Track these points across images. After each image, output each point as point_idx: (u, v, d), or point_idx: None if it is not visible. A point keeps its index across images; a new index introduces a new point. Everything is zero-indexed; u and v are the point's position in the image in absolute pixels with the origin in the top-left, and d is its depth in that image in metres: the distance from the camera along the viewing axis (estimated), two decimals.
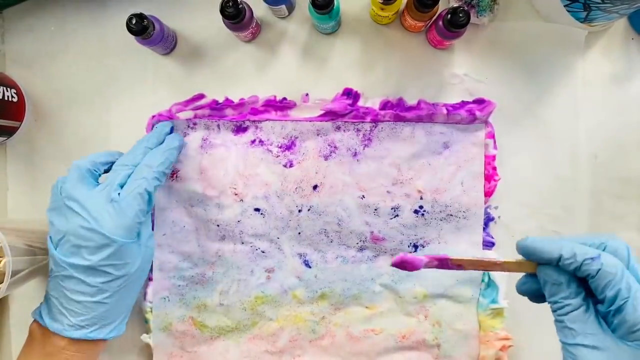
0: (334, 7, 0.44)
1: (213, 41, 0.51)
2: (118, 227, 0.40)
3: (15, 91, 0.50)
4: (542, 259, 0.32)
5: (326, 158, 0.50)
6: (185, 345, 0.51)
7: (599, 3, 0.43)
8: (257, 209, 0.50)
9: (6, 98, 0.49)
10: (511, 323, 0.50)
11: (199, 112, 0.50)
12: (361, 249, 0.50)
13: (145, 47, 0.49)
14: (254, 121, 0.50)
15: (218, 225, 0.50)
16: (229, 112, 0.50)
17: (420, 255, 0.34)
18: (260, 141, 0.50)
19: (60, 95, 0.52)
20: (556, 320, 0.32)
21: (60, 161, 0.52)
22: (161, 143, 0.46)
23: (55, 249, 0.40)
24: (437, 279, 0.50)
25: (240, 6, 0.44)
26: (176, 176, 0.50)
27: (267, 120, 0.50)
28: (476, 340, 0.50)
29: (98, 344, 0.42)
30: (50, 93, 0.52)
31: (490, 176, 0.49)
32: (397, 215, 0.49)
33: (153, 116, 0.50)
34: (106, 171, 0.44)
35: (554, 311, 0.32)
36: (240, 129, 0.50)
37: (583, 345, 0.30)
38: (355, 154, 0.49)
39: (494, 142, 0.49)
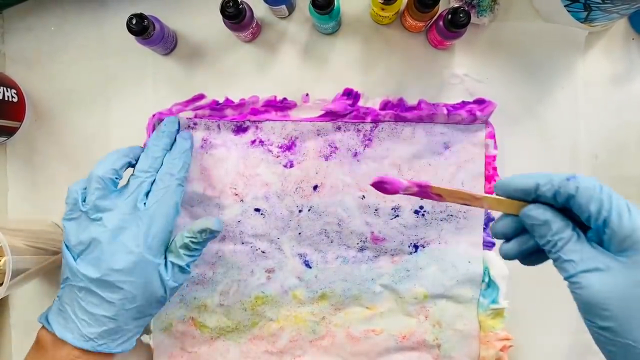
0: (334, 8, 0.44)
1: (213, 41, 0.51)
2: (145, 240, 0.40)
3: (15, 91, 0.50)
4: (519, 191, 0.32)
5: (326, 158, 0.50)
6: (186, 345, 0.51)
7: (600, 3, 0.43)
8: (257, 209, 0.50)
9: (6, 98, 0.49)
10: (511, 323, 0.50)
11: (199, 112, 0.50)
12: (361, 249, 0.50)
13: (146, 47, 0.49)
14: (254, 121, 0.50)
15: None
16: (229, 112, 0.50)
17: (402, 179, 0.33)
18: (261, 141, 0.50)
19: (60, 95, 0.52)
20: (554, 261, 0.31)
21: (60, 161, 0.52)
22: (173, 141, 0.45)
23: (75, 260, 0.40)
24: (438, 280, 0.50)
25: (241, 6, 0.44)
26: None
27: (267, 120, 0.50)
28: (476, 341, 0.50)
29: (108, 355, 0.42)
30: (50, 93, 0.52)
31: (490, 176, 0.49)
32: (398, 216, 0.49)
33: (153, 115, 0.50)
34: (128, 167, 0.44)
35: (549, 252, 0.31)
36: (240, 129, 0.50)
37: (586, 271, 0.29)
38: (355, 154, 0.49)
39: (495, 142, 0.49)
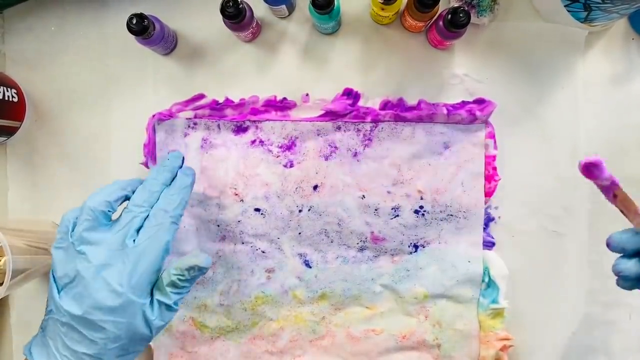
0: (334, 7, 0.44)
1: (213, 41, 0.51)
2: (129, 280, 0.37)
3: (15, 91, 0.50)
4: None
5: (326, 158, 0.50)
6: (186, 345, 0.51)
7: (599, 3, 0.43)
8: (257, 209, 0.50)
9: (6, 98, 0.49)
10: (511, 323, 0.50)
11: (199, 112, 0.50)
12: (361, 249, 0.50)
13: (146, 47, 0.49)
14: (254, 121, 0.50)
15: (218, 226, 0.50)
16: (229, 112, 0.50)
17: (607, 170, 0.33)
18: (261, 141, 0.50)
19: (60, 95, 0.52)
20: None
21: (60, 161, 0.52)
22: (174, 176, 0.43)
23: (59, 293, 0.38)
24: (438, 279, 0.50)
25: (241, 6, 0.44)
26: None
27: (267, 120, 0.50)
28: (476, 341, 0.50)
29: None
30: (51, 93, 0.52)
31: (490, 176, 0.49)
32: (398, 216, 0.49)
33: (153, 115, 0.50)
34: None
35: None
36: (240, 129, 0.50)
37: None
38: (355, 154, 0.50)
39: (494, 142, 0.49)
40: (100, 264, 0.37)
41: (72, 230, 0.39)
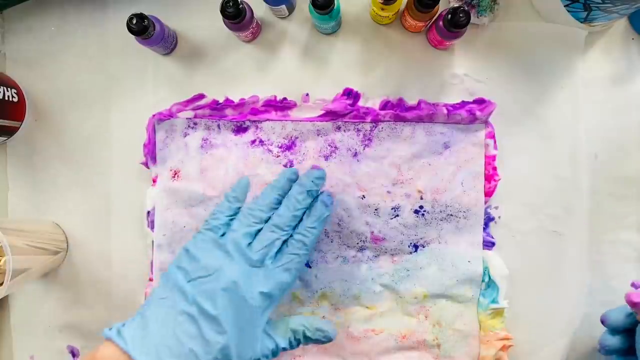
0: (335, 7, 0.44)
1: (213, 41, 0.51)
2: (262, 298, 0.38)
3: (15, 91, 0.50)
4: None
5: (326, 158, 0.50)
6: None
7: (599, 3, 0.43)
8: None
9: (6, 98, 0.49)
10: (511, 323, 0.50)
11: (199, 112, 0.50)
12: (361, 249, 0.50)
13: (146, 47, 0.49)
14: (254, 121, 0.50)
15: None
16: (229, 112, 0.50)
17: None
18: (261, 141, 0.50)
19: (60, 95, 0.52)
20: None
21: (60, 161, 0.52)
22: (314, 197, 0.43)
23: (187, 283, 0.37)
24: (438, 279, 0.50)
25: (241, 6, 0.44)
26: (177, 176, 0.50)
27: (267, 120, 0.50)
28: (476, 340, 0.50)
29: None
30: (51, 93, 0.52)
31: (490, 176, 0.49)
32: (398, 215, 0.49)
33: (154, 115, 0.50)
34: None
35: None
36: (240, 129, 0.50)
37: None
38: (355, 154, 0.50)
39: (494, 142, 0.49)
40: (242, 272, 0.38)
41: (227, 227, 0.41)
